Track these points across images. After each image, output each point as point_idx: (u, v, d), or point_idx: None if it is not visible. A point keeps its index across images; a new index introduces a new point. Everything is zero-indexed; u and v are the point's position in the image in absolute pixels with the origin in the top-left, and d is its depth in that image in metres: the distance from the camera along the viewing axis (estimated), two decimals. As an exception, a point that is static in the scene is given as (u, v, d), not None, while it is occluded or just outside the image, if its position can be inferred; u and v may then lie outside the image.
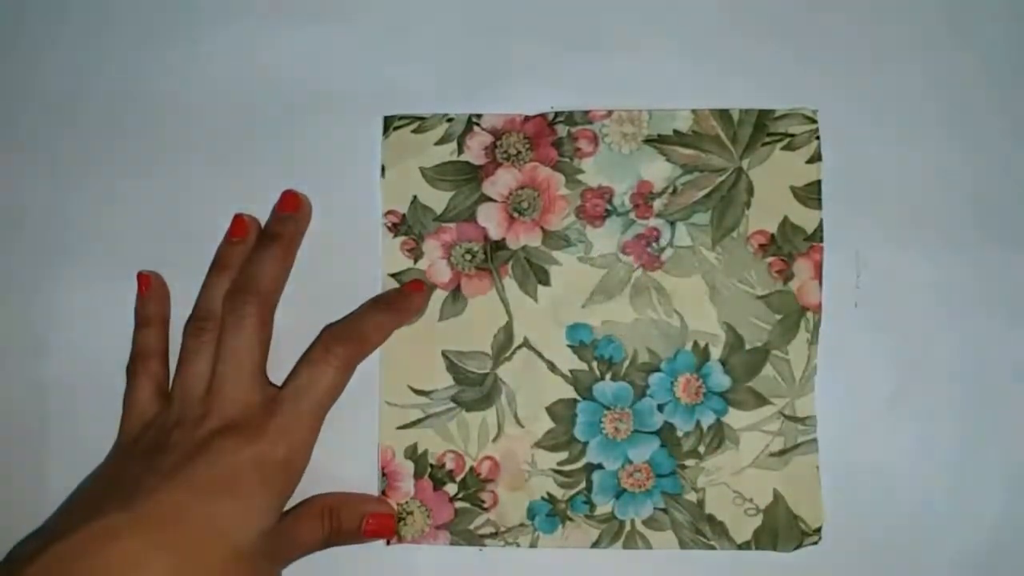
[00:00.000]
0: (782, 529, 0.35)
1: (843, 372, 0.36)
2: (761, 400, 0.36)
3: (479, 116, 0.37)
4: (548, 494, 0.36)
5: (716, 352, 0.36)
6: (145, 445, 0.34)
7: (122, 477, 0.33)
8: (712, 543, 0.35)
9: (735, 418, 0.36)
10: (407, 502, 0.36)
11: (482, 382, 0.36)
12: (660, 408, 0.36)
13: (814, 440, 0.36)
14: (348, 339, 0.35)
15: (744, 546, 0.35)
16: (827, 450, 0.35)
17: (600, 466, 0.36)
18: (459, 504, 0.36)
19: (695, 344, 0.36)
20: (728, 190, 0.36)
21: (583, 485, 0.36)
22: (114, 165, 0.38)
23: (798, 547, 0.35)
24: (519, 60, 0.37)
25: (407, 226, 0.37)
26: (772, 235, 0.36)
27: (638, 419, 0.36)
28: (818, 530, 0.35)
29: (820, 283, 0.36)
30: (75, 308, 0.38)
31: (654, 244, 0.36)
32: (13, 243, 0.38)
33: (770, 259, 0.36)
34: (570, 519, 0.36)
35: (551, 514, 0.36)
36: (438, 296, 0.37)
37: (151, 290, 0.37)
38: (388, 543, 0.36)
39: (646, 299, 0.36)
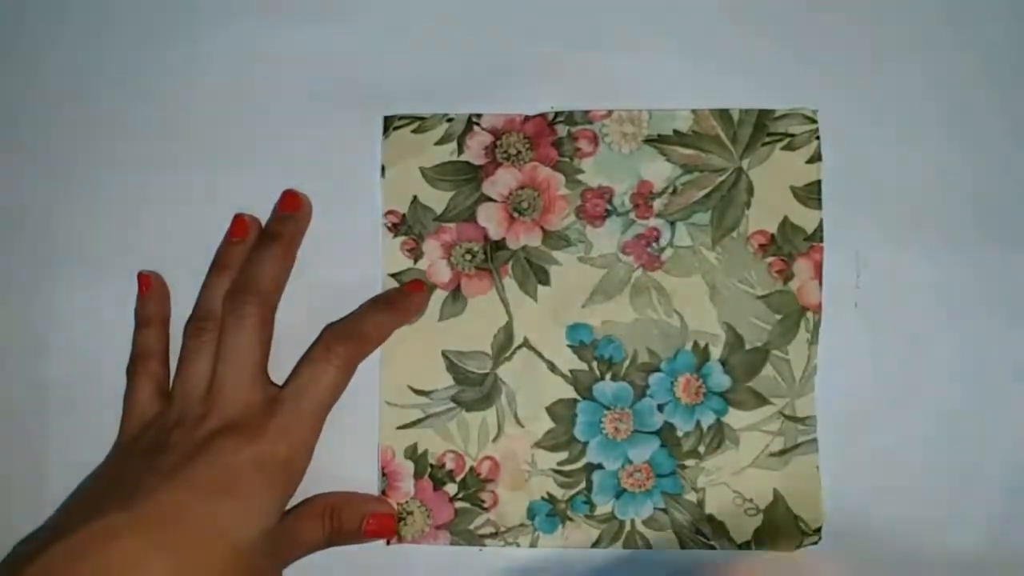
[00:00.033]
0: (782, 529, 0.35)
1: (843, 372, 0.36)
2: (761, 400, 0.36)
3: (479, 116, 0.37)
4: (548, 494, 0.36)
5: (716, 352, 0.36)
6: (145, 445, 0.34)
7: (122, 477, 0.33)
8: (712, 543, 0.35)
9: (735, 418, 0.36)
10: (407, 502, 0.36)
11: (482, 382, 0.36)
12: (660, 408, 0.36)
13: (814, 440, 0.36)
14: (349, 338, 0.35)
15: (744, 546, 0.35)
16: (827, 450, 0.35)
17: (600, 466, 0.36)
18: (459, 504, 0.36)
19: (695, 344, 0.36)
20: (728, 190, 0.36)
21: (583, 485, 0.36)
22: (114, 165, 0.38)
23: (798, 547, 0.35)
24: (519, 60, 0.37)
25: (407, 226, 0.37)
26: (772, 235, 0.36)
27: (638, 419, 0.36)
28: (818, 530, 0.35)
29: (820, 283, 0.36)
30: (75, 308, 0.38)
31: (654, 244, 0.36)
32: (13, 243, 0.38)
33: (770, 259, 0.36)
34: (570, 519, 0.36)
35: (551, 514, 0.36)
36: (438, 296, 0.37)
37: (151, 290, 0.37)
38: (388, 543, 0.36)
39: (646, 299, 0.36)
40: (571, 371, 0.36)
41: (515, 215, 0.37)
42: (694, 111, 0.37)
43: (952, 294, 0.36)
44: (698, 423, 0.36)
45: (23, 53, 0.39)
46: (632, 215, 0.36)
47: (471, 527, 0.36)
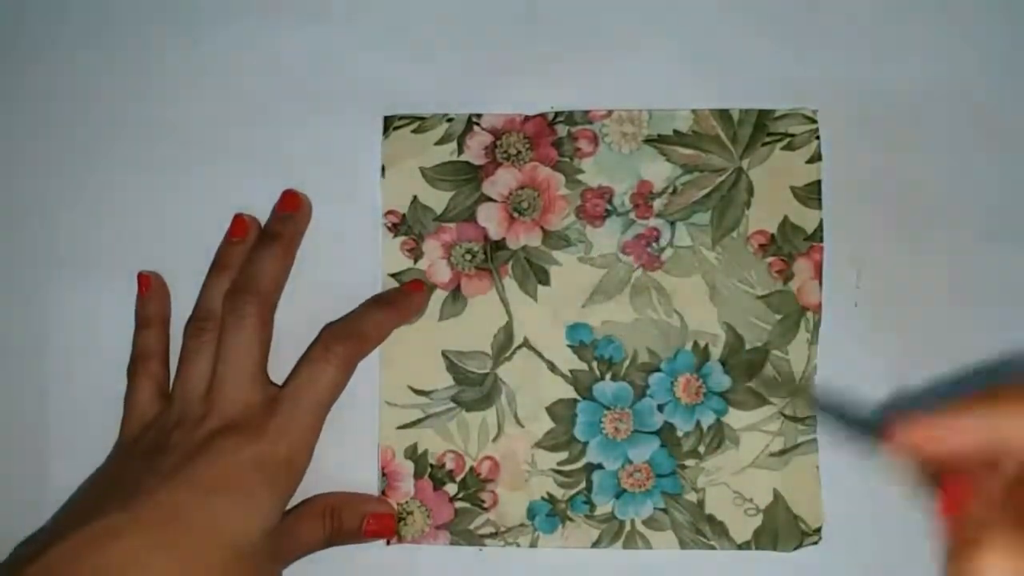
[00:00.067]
0: (782, 529, 0.35)
1: (843, 372, 0.36)
2: (761, 400, 0.36)
3: (479, 116, 0.37)
4: (548, 494, 0.36)
5: (716, 352, 0.36)
6: (146, 445, 0.34)
7: (123, 477, 0.33)
8: (712, 543, 0.35)
9: (735, 418, 0.36)
10: (407, 502, 0.36)
11: (482, 382, 0.36)
12: (660, 408, 0.36)
13: (814, 440, 0.36)
14: (348, 337, 0.35)
15: (744, 546, 0.35)
16: (827, 450, 0.35)
17: (600, 466, 0.36)
18: (459, 504, 0.36)
19: (695, 344, 0.36)
20: (728, 190, 0.36)
21: (583, 485, 0.36)
22: (114, 165, 0.38)
23: (798, 547, 0.35)
24: (519, 60, 0.37)
25: (407, 226, 0.37)
26: (772, 235, 0.36)
27: (638, 419, 0.36)
28: (818, 530, 0.35)
29: (820, 283, 0.36)
30: (75, 308, 0.38)
31: (654, 244, 0.36)
32: (13, 243, 0.38)
33: (770, 259, 0.36)
34: (570, 519, 0.36)
35: (551, 514, 0.36)
36: (438, 296, 0.37)
37: (151, 290, 0.37)
38: (388, 543, 0.36)
39: (646, 299, 0.36)
40: (571, 371, 0.36)
41: (515, 215, 0.37)
42: (694, 111, 0.37)
43: (952, 294, 0.36)
44: (698, 423, 0.36)
45: (23, 53, 0.39)
46: (632, 215, 0.37)
47: (471, 527, 0.36)
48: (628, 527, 0.36)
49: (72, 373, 0.37)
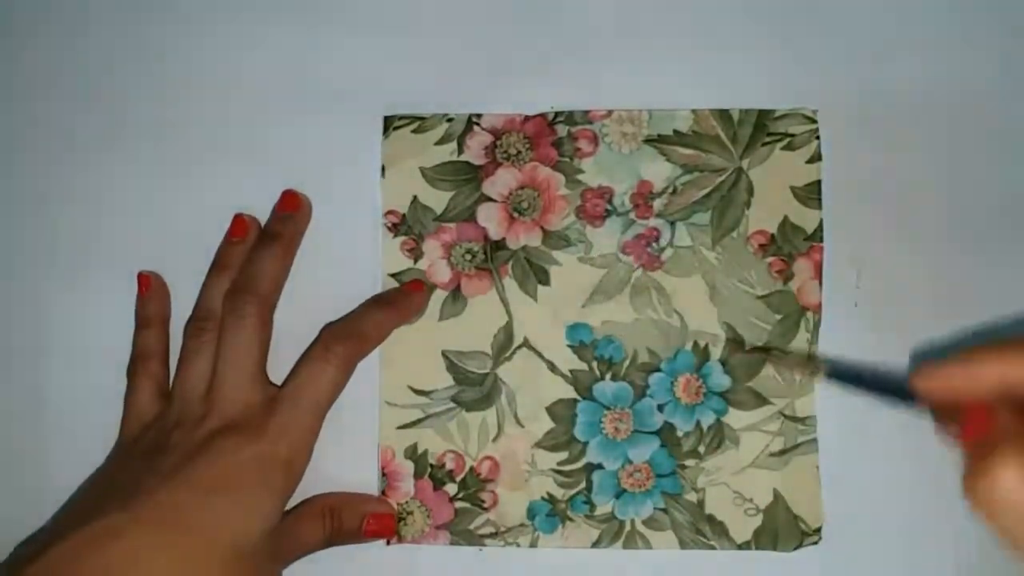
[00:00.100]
0: (782, 529, 0.35)
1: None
2: (761, 400, 0.36)
3: (479, 116, 0.37)
4: (548, 494, 0.36)
5: (716, 352, 0.36)
6: (145, 446, 0.34)
7: (122, 477, 0.33)
8: (712, 543, 0.35)
9: (735, 418, 0.36)
10: (407, 502, 0.36)
11: (482, 382, 0.36)
12: (660, 408, 0.36)
13: (814, 440, 0.36)
14: (348, 337, 0.35)
15: (744, 546, 0.35)
16: (827, 450, 0.35)
17: (600, 466, 0.36)
18: (459, 504, 0.36)
19: (695, 344, 0.36)
20: (728, 190, 0.36)
21: (583, 485, 0.36)
22: (114, 165, 0.38)
23: (798, 547, 0.35)
24: (519, 60, 0.37)
25: (407, 226, 0.37)
26: (772, 235, 0.36)
27: (638, 419, 0.36)
28: (818, 530, 0.35)
29: (820, 283, 0.36)
30: (75, 308, 0.38)
31: (654, 244, 0.36)
32: (13, 243, 0.38)
33: (770, 259, 0.36)
34: (570, 519, 0.36)
35: (551, 514, 0.36)
36: (438, 296, 0.37)
37: (151, 290, 0.37)
38: (388, 543, 0.36)
39: (646, 299, 0.36)
40: (571, 371, 0.36)
41: (515, 215, 0.37)
42: (694, 111, 0.37)
43: (952, 294, 0.36)
44: (698, 423, 0.36)
45: (22, 54, 0.39)
46: (632, 215, 0.37)
47: (471, 527, 0.36)
48: (628, 527, 0.36)
49: (72, 373, 0.37)
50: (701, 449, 0.36)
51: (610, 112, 0.37)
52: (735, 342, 0.36)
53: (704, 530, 0.35)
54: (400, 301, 0.36)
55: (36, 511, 0.35)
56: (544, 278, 0.37)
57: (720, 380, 0.36)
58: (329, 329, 0.35)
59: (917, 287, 0.36)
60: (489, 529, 0.36)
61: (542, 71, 0.37)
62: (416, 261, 0.37)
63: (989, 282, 0.36)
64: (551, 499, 0.36)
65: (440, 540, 0.36)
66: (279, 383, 0.35)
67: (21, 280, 0.38)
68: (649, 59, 0.37)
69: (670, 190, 0.36)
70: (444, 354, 0.36)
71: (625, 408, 0.36)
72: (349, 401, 0.35)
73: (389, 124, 0.37)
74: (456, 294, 0.37)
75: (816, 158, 0.36)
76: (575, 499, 0.36)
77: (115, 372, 0.36)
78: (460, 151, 0.37)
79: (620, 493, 0.36)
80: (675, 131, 0.37)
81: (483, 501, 0.36)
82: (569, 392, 0.36)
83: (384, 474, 0.36)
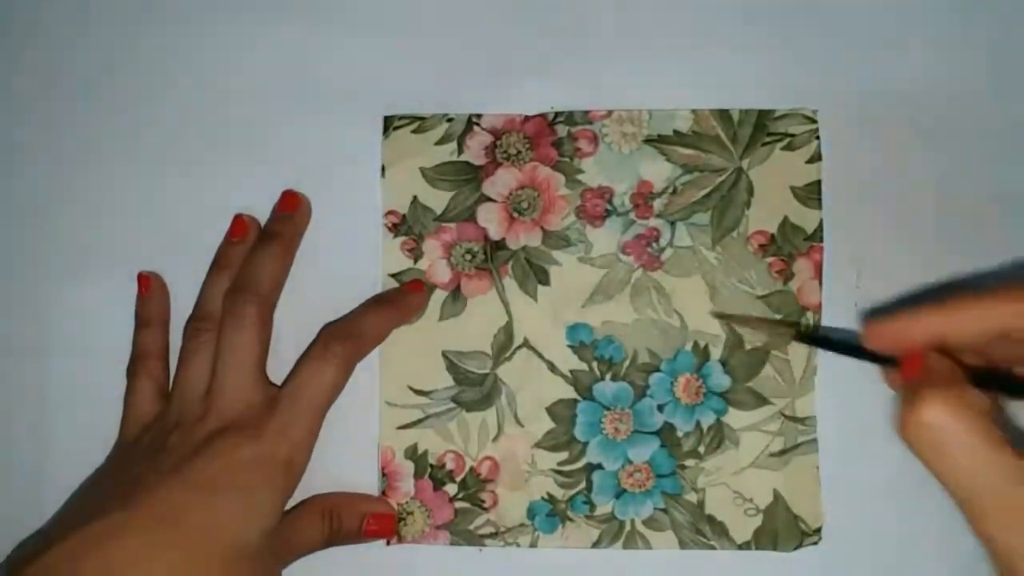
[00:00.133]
0: (782, 529, 0.35)
1: (843, 372, 0.36)
2: (761, 400, 0.36)
3: (479, 116, 0.37)
4: (548, 494, 0.36)
5: (716, 352, 0.36)
6: (145, 445, 0.34)
7: (123, 477, 0.33)
8: (712, 543, 0.35)
9: (735, 418, 0.36)
10: (407, 502, 0.36)
11: (482, 382, 0.36)
12: (660, 408, 0.36)
13: (814, 440, 0.36)
14: (347, 337, 0.35)
15: (744, 546, 0.35)
16: (827, 450, 0.35)
17: (600, 466, 0.36)
18: (459, 504, 0.36)
19: (695, 344, 0.36)
20: (728, 190, 0.36)
21: (583, 485, 0.36)
22: (113, 164, 0.38)
23: (798, 547, 0.35)
24: (519, 60, 0.37)
25: (407, 226, 0.37)
26: (772, 235, 0.36)
27: (638, 419, 0.36)
28: (818, 530, 0.35)
29: (820, 283, 0.36)
30: (75, 308, 0.38)
31: (654, 244, 0.36)
32: (12, 243, 0.38)
33: (770, 259, 0.36)
34: (570, 519, 0.36)
35: (551, 514, 0.36)
36: (438, 296, 0.37)
37: (151, 291, 0.37)
38: (388, 543, 0.36)
39: (646, 299, 0.36)
40: (571, 371, 0.36)
41: (515, 215, 0.37)
42: (694, 111, 0.37)
43: (952, 294, 0.36)
44: (698, 423, 0.36)
45: (22, 53, 0.39)
46: (632, 215, 0.36)
47: (471, 527, 0.36)
48: (628, 527, 0.36)
49: (72, 373, 0.37)
50: (701, 449, 0.36)
51: (610, 112, 0.37)
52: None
53: (704, 530, 0.35)
54: (400, 301, 0.36)
55: (36, 511, 0.35)
56: (544, 278, 0.37)
57: (720, 380, 0.36)
58: (329, 329, 0.35)
59: (917, 287, 0.36)
60: (489, 529, 0.36)
61: (542, 71, 0.37)
62: (416, 261, 0.37)
63: (989, 282, 0.36)
64: (551, 499, 0.36)
65: (440, 540, 0.36)
66: (279, 383, 0.35)
67: (21, 280, 0.38)
68: (649, 59, 0.37)
69: (670, 190, 0.36)
70: (444, 354, 0.36)
71: (625, 408, 0.36)
72: (349, 401, 0.35)
73: (389, 124, 0.37)
74: (456, 294, 0.37)
75: (816, 158, 0.36)
76: (575, 499, 0.36)
77: (115, 372, 0.36)
78: (460, 151, 0.37)
79: (620, 493, 0.36)
80: (675, 131, 0.37)
81: (483, 501, 0.36)
82: (569, 392, 0.36)
83: (384, 474, 0.36)
